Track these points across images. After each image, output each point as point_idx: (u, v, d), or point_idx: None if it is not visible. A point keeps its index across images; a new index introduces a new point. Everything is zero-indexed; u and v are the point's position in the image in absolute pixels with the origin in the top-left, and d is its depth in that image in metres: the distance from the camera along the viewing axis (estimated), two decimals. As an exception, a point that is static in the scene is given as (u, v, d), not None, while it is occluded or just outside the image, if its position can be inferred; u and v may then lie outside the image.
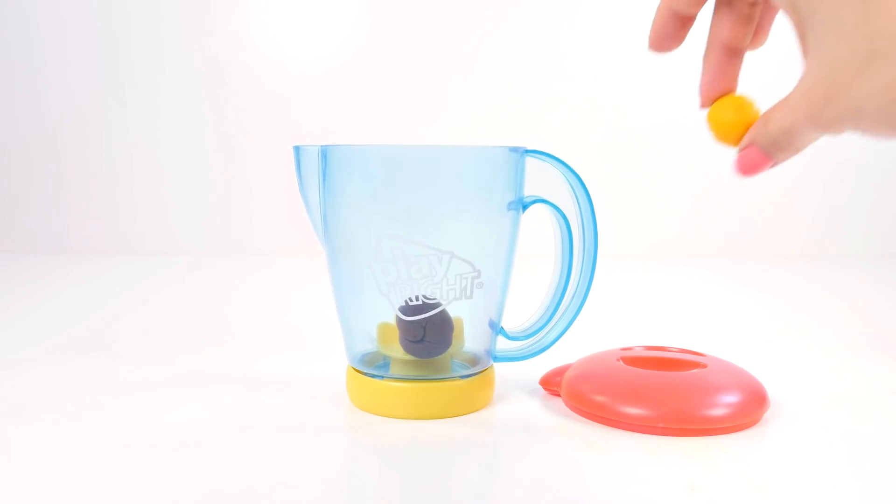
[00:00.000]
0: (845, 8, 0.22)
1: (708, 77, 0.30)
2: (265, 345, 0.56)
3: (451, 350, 0.39)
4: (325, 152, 0.38)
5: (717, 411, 0.36)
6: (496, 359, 0.41)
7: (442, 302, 0.37)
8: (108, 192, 1.15)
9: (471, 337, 0.40)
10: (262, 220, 1.14)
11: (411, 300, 0.37)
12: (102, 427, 0.38)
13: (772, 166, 0.28)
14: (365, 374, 0.39)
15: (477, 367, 0.40)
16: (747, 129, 0.28)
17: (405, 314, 0.38)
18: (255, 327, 0.62)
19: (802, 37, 0.25)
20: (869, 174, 1.14)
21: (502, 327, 0.41)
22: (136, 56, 1.12)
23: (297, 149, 0.40)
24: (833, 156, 1.13)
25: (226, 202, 1.15)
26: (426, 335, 0.38)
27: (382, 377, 0.39)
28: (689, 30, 0.30)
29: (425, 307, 0.37)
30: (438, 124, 1.14)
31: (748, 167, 0.28)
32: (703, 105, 0.30)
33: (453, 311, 0.38)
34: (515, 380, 0.45)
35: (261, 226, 1.15)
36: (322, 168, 0.38)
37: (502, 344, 0.42)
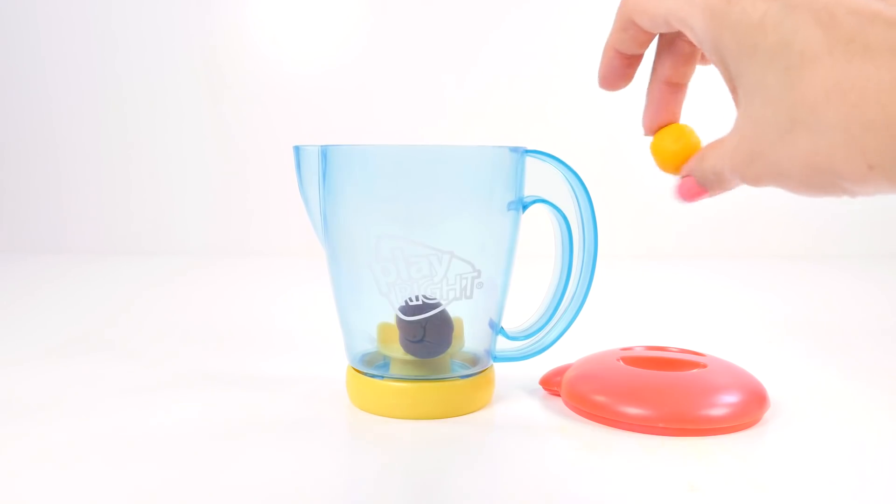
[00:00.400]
0: (770, 74, 0.22)
1: (651, 110, 0.31)
2: (265, 345, 0.56)
3: (450, 350, 0.39)
4: (325, 152, 0.38)
5: (717, 411, 0.36)
6: (496, 359, 0.41)
7: (442, 302, 0.37)
8: (107, 191, 1.15)
9: (471, 337, 0.40)
10: (261, 221, 1.14)
11: (411, 300, 0.37)
12: (100, 426, 0.38)
13: (710, 196, 0.28)
14: (365, 374, 0.39)
15: (477, 367, 0.40)
16: (686, 158, 0.29)
17: (405, 314, 0.38)
18: (255, 327, 0.62)
19: (733, 90, 0.25)
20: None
21: (502, 327, 0.41)
22: (134, 56, 1.12)
23: (297, 149, 0.40)
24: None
25: (224, 202, 1.15)
26: (426, 335, 0.38)
27: (382, 377, 0.39)
28: (636, 68, 0.31)
29: (425, 307, 0.37)
30: (438, 124, 1.14)
31: (687, 195, 0.29)
32: (647, 134, 0.31)
33: (453, 311, 0.38)
34: (515, 380, 0.45)
35: (259, 226, 1.15)
36: (322, 168, 0.38)
37: (502, 344, 0.42)
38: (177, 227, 1.15)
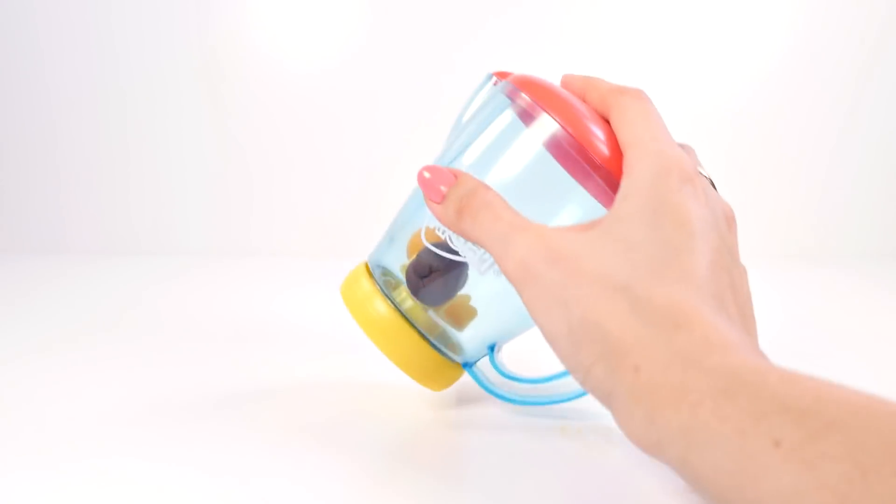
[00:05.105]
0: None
1: None
2: (265, 345, 0.56)
3: (448, 319, 0.37)
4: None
5: None
6: (466, 366, 0.39)
7: (468, 262, 0.35)
8: (107, 191, 1.15)
9: (468, 332, 0.38)
10: (262, 220, 1.15)
11: (442, 235, 0.35)
12: (99, 426, 0.38)
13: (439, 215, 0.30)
14: (375, 281, 0.37)
15: (451, 353, 0.38)
16: None
17: (430, 241, 0.36)
18: (255, 327, 0.62)
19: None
20: (870, 173, 1.14)
21: (497, 364, 0.39)
22: (134, 55, 1.12)
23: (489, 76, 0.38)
24: (833, 156, 1.13)
25: (225, 202, 1.15)
26: (431, 275, 0.36)
27: (383, 292, 0.37)
28: None
29: (449, 249, 0.35)
30: (439, 124, 1.14)
31: (429, 187, 0.30)
32: None
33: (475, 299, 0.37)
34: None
35: (260, 226, 1.15)
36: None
37: (486, 368, 0.40)
38: (177, 227, 1.15)
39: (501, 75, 0.36)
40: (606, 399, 0.23)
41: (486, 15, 1.11)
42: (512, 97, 0.33)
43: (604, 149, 0.29)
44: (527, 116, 0.32)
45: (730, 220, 0.27)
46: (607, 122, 0.30)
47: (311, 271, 0.94)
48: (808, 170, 1.14)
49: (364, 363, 0.48)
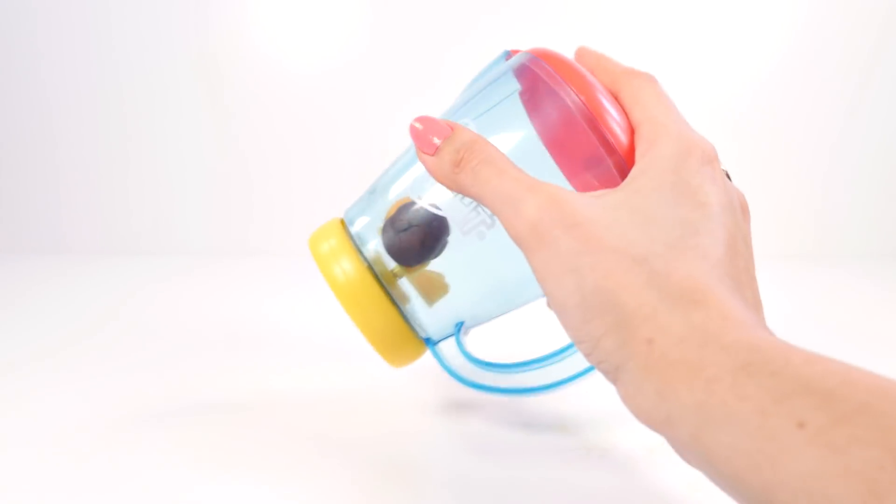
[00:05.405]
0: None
1: None
2: (266, 344, 0.56)
3: (420, 290, 0.35)
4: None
5: None
6: (430, 343, 0.36)
7: (453, 229, 0.33)
8: (107, 191, 1.15)
9: (437, 308, 0.35)
10: (262, 220, 1.15)
11: (417, 200, 0.33)
12: (99, 428, 0.38)
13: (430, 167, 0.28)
14: (350, 235, 0.35)
15: (416, 326, 0.36)
16: None
17: (415, 199, 0.34)
18: (255, 327, 0.62)
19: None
20: (870, 173, 1.14)
21: (465, 348, 0.36)
22: (133, 55, 1.12)
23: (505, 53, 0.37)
24: (833, 156, 1.13)
25: (225, 202, 1.15)
26: (409, 229, 0.34)
27: (359, 250, 0.35)
28: None
29: (434, 208, 0.33)
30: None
31: (420, 137, 0.29)
32: None
33: (447, 271, 0.35)
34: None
35: (260, 225, 1.15)
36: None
37: (449, 352, 0.37)
38: (177, 227, 1.15)
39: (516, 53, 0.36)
40: (614, 373, 0.22)
41: (485, 15, 1.11)
42: (531, 67, 0.32)
43: (619, 131, 0.28)
44: (544, 87, 0.31)
45: (744, 209, 0.27)
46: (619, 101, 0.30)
47: (311, 271, 0.93)
48: (808, 170, 1.14)
49: (364, 363, 0.48)
